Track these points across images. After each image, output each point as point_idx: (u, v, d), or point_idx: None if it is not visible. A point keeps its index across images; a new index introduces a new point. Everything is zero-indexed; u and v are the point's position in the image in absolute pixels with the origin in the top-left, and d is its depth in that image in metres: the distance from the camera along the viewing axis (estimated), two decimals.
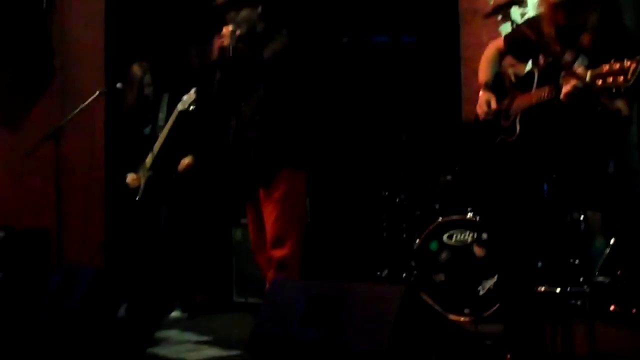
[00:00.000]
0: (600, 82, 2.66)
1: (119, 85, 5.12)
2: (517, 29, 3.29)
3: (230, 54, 3.69)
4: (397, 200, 5.03)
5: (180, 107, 4.99)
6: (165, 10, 6.12)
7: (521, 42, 3.15)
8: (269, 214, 3.76)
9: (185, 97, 4.99)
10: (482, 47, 5.69)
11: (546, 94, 2.92)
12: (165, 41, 5.98)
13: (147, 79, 5.29)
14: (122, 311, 3.84)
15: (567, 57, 2.92)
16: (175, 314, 5.15)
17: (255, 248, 3.97)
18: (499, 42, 3.41)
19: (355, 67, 6.43)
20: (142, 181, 5.20)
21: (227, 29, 3.70)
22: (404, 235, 4.88)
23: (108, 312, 3.78)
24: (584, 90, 2.72)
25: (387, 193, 5.11)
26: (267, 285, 3.68)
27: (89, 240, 5.83)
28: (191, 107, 4.95)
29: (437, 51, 6.24)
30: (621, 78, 2.60)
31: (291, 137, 3.79)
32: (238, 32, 3.74)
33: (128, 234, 5.62)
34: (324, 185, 5.44)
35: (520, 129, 3.03)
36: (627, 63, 2.60)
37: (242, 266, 5.31)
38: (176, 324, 4.81)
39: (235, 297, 5.37)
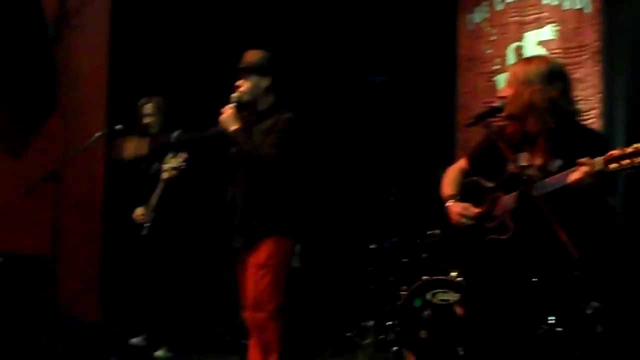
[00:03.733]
0: (614, 165, 2.81)
1: (118, 126, 5.25)
2: (482, 143, 3.47)
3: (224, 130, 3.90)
4: (385, 252, 5.14)
5: (165, 175, 5.17)
6: (173, 47, 6.24)
7: (486, 156, 3.29)
8: (250, 277, 3.92)
9: (171, 162, 5.16)
10: (477, 94, 5.91)
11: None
12: (171, 79, 6.10)
13: (148, 108, 5.43)
14: None
15: (536, 161, 3.14)
16: (160, 352, 5.28)
17: (243, 305, 4.12)
18: (460, 164, 3.58)
19: (352, 106, 6.54)
20: (147, 219, 5.37)
21: (226, 108, 3.92)
22: (389, 289, 5.00)
23: None
24: (596, 176, 2.84)
25: (375, 246, 5.22)
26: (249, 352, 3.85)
27: (84, 273, 5.96)
28: (175, 172, 5.15)
29: (433, 96, 6.34)
30: (638, 159, 2.75)
31: (276, 206, 3.92)
32: (244, 99, 3.97)
33: (124, 267, 5.79)
34: (314, 232, 5.56)
35: (515, 226, 3.14)
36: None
37: (233, 306, 5.42)
38: None
39: (226, 335, 5.50)
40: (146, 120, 5.47)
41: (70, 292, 5.74)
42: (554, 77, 3.16)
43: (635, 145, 2.76)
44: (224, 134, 3.94)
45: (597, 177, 2.84)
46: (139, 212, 5.41)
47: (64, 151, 5.71)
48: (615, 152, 2.80)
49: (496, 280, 3.24)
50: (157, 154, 5.40)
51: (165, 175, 5.18)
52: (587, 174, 2.84)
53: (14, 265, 5.68)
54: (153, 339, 5.41)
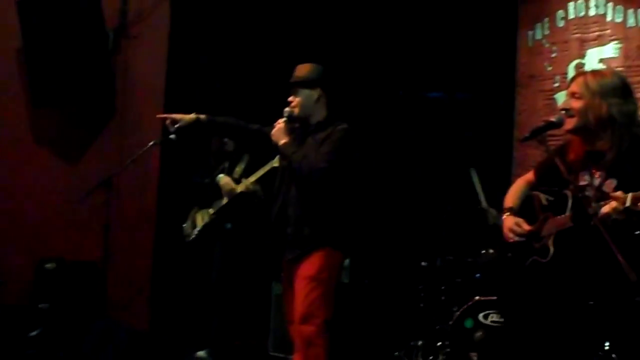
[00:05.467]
0: None
1: (172, 136, 5.28)
2: (547, 159, 3.32)
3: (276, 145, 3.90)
4: (437, 270, 5.05)
5: (275, 163, 5.13)
6: (230, 57, 6.29)
7: (551, 172, 3.16)
8: (300, 290, 3.84)
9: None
10: (536, 112, 5.78)
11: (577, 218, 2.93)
12: (227, 89, 6.14)
13: None
14: None
15: (594, 181, 3.00)
16: (202, 353, 5.28)
17: (287, 318, 4.07)
18: (529, 176, 3.45)
19: (407, 122, 6.46)
20: (200, 223, 5.40)
21: (277, 122, 3.93)
22: (440, 309, 4.90)
23: None
24: (624, 213, 2.72)
25: (426, 263, 5.13)
26: None
27: (135, 280, 6.00)
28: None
29: (490, 113, 6.22)
30: None
31: (329, 217, 3.86)
32: (295, 112, 3.95)
33: (175, 274, 5.83)
34: (364, 247, 5.50)
35: (554, 250, 3.02)
36: None
37: (280, 320, 5.38)
38: None
39: (271, 350, 5.45)
40: (225, 139, 5.53)
41: (120, 299, 5.79)
42: (628, 92, 3.02)
43: None
44: (267, 134, 3.96)
45: (625, 214, 2.72)
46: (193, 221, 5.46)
47: (119, 159, 5.78)
48: None
49: (536, 304, 3.12)
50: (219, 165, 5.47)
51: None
52: (614, 210, 2.73)
53: (65, 271, 5.76)
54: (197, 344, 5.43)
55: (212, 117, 4.09)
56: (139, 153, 5.32)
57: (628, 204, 2.70)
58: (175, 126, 3.98)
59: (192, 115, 4.00)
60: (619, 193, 2.76)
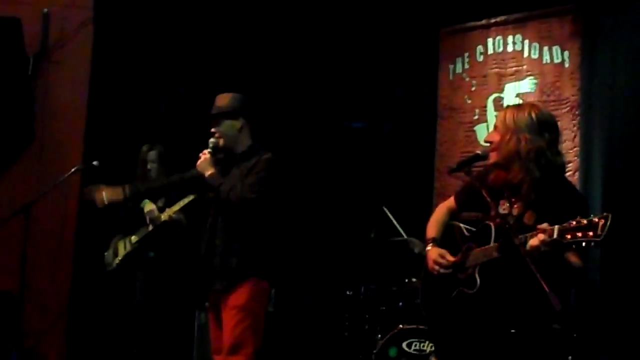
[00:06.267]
0: (569, 236, 2.75)
1: (95, 162, 5.19)
2: (467, 186, 3.39)
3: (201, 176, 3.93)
4: (361, 298, 5.09)
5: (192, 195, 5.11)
6: (152, 84, 6.23)
7: (472, 199, 3.25)
8: (228, 321, 3.83)
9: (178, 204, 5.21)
10: (456, 144, 5.93)
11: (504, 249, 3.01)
12: (150, 117, 6.09)
13: (152, 155, 5.47)
14: None
15: (513, 211, 3.09)
16: None
17: (213, 348, 4.03)
18: (449, 202, 3.50)
19: (331, 151, 6.51)
20: (122, 252, 5.31)
21: (202, 154, 3.95)
22: (365, 337, 4.93)
23: None
24: (552, 245, 2.80)
25: (350, 292, 5.17)
26: None
27: (51, 311, 5.82)
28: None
29: (412, 143, 6.34)
30: (591, 233, 2.69)
31: (256, 247, 3.86)
32: (220, 143, 3.97)
33: (94, 304, 5.69)
34: (289, 277, 5.51)
35: (480, 282, 3.08)
36: (595, 219, 2.70)
37: (204, 350, 5.31)
38: None
39: None
40: (149, 166, 5.47)
41: (36, 329, 5.61)
42: (543, 127, 3.09)
43: (590, 219, 2.71)
44: (201, 177, 3.95)
45: (552, 246, 2.80)
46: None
47: (38, 186, 5.63)
48: (572, 223, 2.74)
49: (464, 335, 3.16)
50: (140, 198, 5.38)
51: (166, 215, 5.23)
52: (542, 242, 2.80)
53: None
54: None
55: (134, 189, 4.19)
56: (59, 180, 5.20)
57: (555, 236, 2.78)
58: (106, 203, 4.06)
59: (119, 191, 4.07)
60: (544, 225, 2.83)
